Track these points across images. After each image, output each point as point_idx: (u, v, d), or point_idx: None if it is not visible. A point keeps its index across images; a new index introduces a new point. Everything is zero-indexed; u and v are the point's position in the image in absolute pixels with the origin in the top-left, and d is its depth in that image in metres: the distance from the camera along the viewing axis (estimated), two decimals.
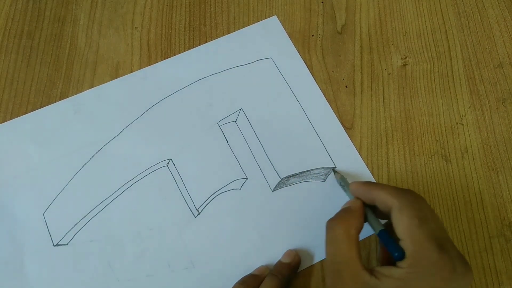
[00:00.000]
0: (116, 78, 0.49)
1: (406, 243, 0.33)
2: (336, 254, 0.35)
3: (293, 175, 0.45)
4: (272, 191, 0.45)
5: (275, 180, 0.45)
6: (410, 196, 0.35)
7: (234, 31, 0.52)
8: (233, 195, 0.45)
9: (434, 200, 0.45)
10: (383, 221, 0.38)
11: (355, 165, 0.46)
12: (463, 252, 0.43)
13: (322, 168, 0.45)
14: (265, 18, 0.53)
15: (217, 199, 0.44)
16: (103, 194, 0.44)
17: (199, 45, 0.51)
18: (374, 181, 0.45)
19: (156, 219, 0.43)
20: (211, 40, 0.51)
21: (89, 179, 0.45)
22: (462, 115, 0.48)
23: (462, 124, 0.48)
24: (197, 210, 0.44)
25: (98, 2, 0.53)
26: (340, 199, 0.43)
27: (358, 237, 0.35)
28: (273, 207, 0.44)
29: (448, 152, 0.47)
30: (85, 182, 0.45)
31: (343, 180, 0.43)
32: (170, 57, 0.50)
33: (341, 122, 0.48)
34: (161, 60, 0.50)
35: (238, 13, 0.53)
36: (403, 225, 0.33)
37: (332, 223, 0.36)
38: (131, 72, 0.50)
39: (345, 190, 0.42)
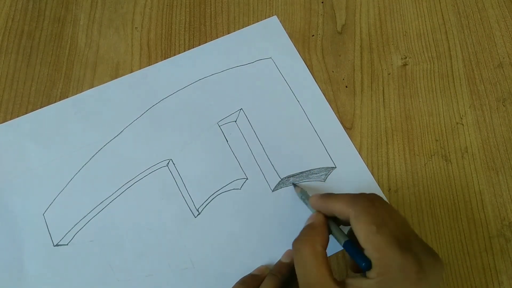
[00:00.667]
0: (116, 78, 0.49)
1: (369, 251, 0.33)
2: (306, 275, 0.34)
3: (293, 175, 0.45)
4: (272, 191, 0.45)
5: (275, 180, 0.45)
6: (364, 201, 0.35)
7: (234, 31, 0.52)
8: (233, 195, 0.45)
9: (434, 200, 0.45)
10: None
11: (355, 165, 0.46)
12: (463, 252, 0.43)
13: (322, 168, 0.45)
14: (265, 18, 0.53)
15: (217, 199, 0.44)
16: (103, 194, 0.44)
17: (199, 45, 0.51)
18: (374, 180, 0.45)
19: (156, 219, 0.43)
20: (211, 40, 0.51)
21: (89, 179, 0.45)
22: (462, 115, 0.48)
23: (462, 124, 0.48)
24: (197, 210, 0.44)
25: (98, 2, 0.53)
26: None
27: (325, 253, 0.35)
28: (273, 207, 0.44)
29: (448, 152, 0.47)
30: (85, 182, 0.45)
31: (303, 194, 0.43)
32: (170, 57, 0.50)
33: (341, 122, 0.48)
34: (161, 60, 0.50)
35: (238, 13, 0.53)
36: (363, 234, 0.33)
37: (297, 244, 0.36)
38: (131, 72, 0.50)
39: (306, 204, 0.42)
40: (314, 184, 0.45)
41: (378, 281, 0.32)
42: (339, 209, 0.36)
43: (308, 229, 0.37)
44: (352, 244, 0.35)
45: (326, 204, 0.37)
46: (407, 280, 0.31)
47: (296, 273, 0.35)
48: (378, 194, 0.44)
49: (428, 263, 0.32)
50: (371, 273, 0.32)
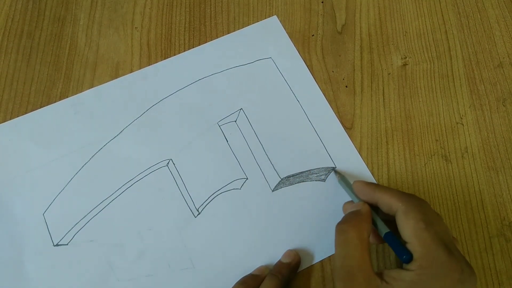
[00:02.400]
0: (116, 78, 0.49)
1: (413, 245, 0.33)
2: (348, 257, 0.34)
3: (293, 175, 0.45)
4: (272, 191, 0.45)
5: (275, 180, 0.45)
6: (415, 200, 0.36)
7: (234, 31, 0.52)
8: (233, 195, 0.45)
9: (434, 200, 0.45)
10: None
11: (355, 165, 0.46)
12: (463, 252, 0.43)
13: (322, 168, 0.45)
14: (265, 18, 0.53)
15: (217, 199, 0.44)
16: (103, 194, 0.44)
17: (199, 45, 0.51)
18: (374, 181, 0.45)
19: (156, 219, 0.43)
20: (211, 40, 0.51)
21: (89, 179, 0.45)
22: (462, 115, 0.48)
23: (462, 124, 0.48)
24: (197, 210, 0.44)
25: (98, 2, 0.53)
26: (340, 199, 0.43)
27: (369, 242, 0.35)
28: (273, 207, 0.44)
29: (448, 152, 0.47)
30: (85, 182, 0.45)
31: (343, 180, 0.43)
32: (170, 57, 0.50)
33: (341, 122, 0.48)
34: (161, 60, 0.50)
35: (238, 13, 0.53)
36: (410, 228, 0.34)
37: (343, 226, 0.36)
38: (131, 72, 0.49)
39: (346, 190, 0.42)
40: (312, 185, 0.45)
41: (419, 274, 0.32)
42: (388, 201, 0.36)
43: (354, 215, 0.37)
44: (393, 235, 0.36)
45: (374, 192, 0.38)
46: (448, 278, 0.32)
47: (336, 254, 0.35)
48: None
49: (468, 271, 0.33)
50: (412, 265, 0.33)
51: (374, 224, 0.38)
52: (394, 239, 0.35)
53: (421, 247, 0.33)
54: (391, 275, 0.33)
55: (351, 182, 0.41)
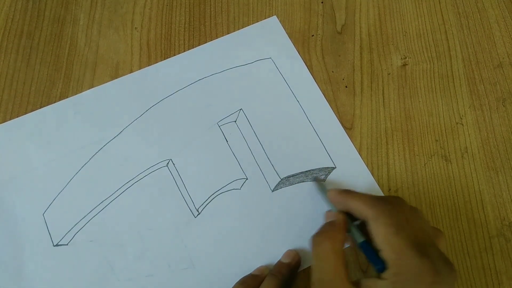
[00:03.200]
0: (116, 78, 0.49)
1: (386, 252, 0.33)
2: (323, 271, 0.35)
3: (293, 175, 0.45)
4: (272, 191, 0.45)
5: (275, 180, 0.45)
6: (384, 204, 0.35)
7: (234, 31, 0.52)
8: (233, 195, 0.45)
9: (434, 200, 0.45)
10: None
11: (355, 165, 0.46)
12: (463, 252, 0.43)
13: (322, 168, 0.45)
14: (265, 18, 0.53)
15: (217, 199, 0.44)
16: (103, 194, 0.44)
17: (199, 45, 0.51)
18: (374, 180, 0.45)
19: (156, 219, 0.43)
20: (211, 40, 0.51)
21: (89, 179, 0.45)
22: (462, 115, 0.48)
23: (462, 124, 0.48)
24: (197, 210, 0.44)
25: (98, 2, 0.53)
26: None
27: (343, 252, 0.35)
28: (273, 207, 0.44)
29: (448, 152, 0.47)
30: (85, 182, 0.45)
31: (321, 187, 0.43)
32: (170, 57, 0.50)
33: (341, 122, 0.48)
34: (161, 60, 0.50)
35: (238, 13, 0.53)
36: (381, 235, 0.34)
37: (318, 239, 0.36)
38: (131, 72, 0.49)
39: (324, 199, 0.42)
40: (312, 185, 0.45)
41: (393, 281, 0.32)
42: (358, 208, 0.36)
43: (329, 226, 0.37)
44: (368, 245, 0.36)
45: (345, 200, 0.38)
46: (422, 283, 0.31)
47: (312, 267, 0.36)
48: (378, 194, 0.44)
49: (444, 270, 0.32)
50: (386, 274, 0.33)
51: (351, 233, 0.38)
52: (368, 248, 0.35)
53: (393, 253, 0.33)
54: (367, 284, 0.33)
55: (328, 190, 0.41)
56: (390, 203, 0.36)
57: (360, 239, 0.36)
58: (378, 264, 0.34)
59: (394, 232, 0.33)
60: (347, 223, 0.38)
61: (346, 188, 0.40)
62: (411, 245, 0.32)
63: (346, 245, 0.42)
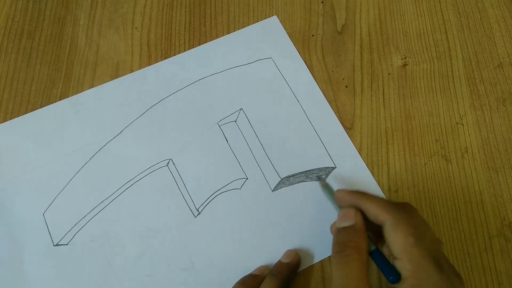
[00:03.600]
0: (116, 78, 0.49)
1: (403, 262, 0.32)
2: (348, 279, 0.33)
3: (293, 175, 0.45)
4: (272, 191, 0.45)
5: (275, 180, 0.45)
6: (404, 211, 0.34)
7: (234, 31, 0.52)
8: (233, 195, 0.45)
9: (434, 200, 0.45)
10: None
11: (355, 165, 0.46)
12: (463, 252, 0.43)
13: (322, 168, 0.45)
14: (265, 18, 0.53)
15: (217, 199, 0.44)
16: (103, 194, 0.44)
17: (199, 45, 0.51)
18: (374, 180, 0.45)
19: (156, 219, 0.43)
20: (211, 40, 0.51)
21: (89, 179, 0.45)
22: (462, 115, 0.48)
23: (462, 124, 0.48)
24: (197, 210, 0.44)
25: (98, 2, 0.53)
26: None
27: (367, 260, 0.34)
28: (273, 207, 0.44)
29: (448, 152, 0.47)
30: (85, 182, 0.45)
31: (327, 189, 0.42)
32: (170, 57, 0.50)
33: (341, 122, 0.48)
34: (161, 60, 0.50)
35: (238, 13, 0.53)
36: (399, 244, 0.33)
37: (343, 248, 0.35)
38: (131, 72, 0.50)
39: (329, 199, 0.41)
40: (312, 185, 0.45)
41: None
42: (374, 212, 0.35)
43: (352, 232, 0.36)
44: (381, 253, 0.35)
45: (356, 202, 0.36)
46: None
47: (334, 273, 0.34)
48: (378, 194, 0.45)
49: (456, 284, 0.32)
50: (402, 285, 0.32)
51: None
52: (381, 257, 0.35)
53: (412, 265, 0.32)
54: None
55: (335, 190, 0.40)
56: (407, 211, 0.35)
57: (372, 246, 0.35)
58: (392, 275, 0.33)
59: (413, 243, 0.32)
60: (365, 226, 0.36)
61: (354, 189, 0.39)
62: (430, 258, 0.32)
63: None
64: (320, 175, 0.45)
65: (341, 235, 0.36)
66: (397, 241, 0.33)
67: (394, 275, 0.33)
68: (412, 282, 0.32)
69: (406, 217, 0.34)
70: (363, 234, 0.35)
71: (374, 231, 0.36)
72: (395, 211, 0.34)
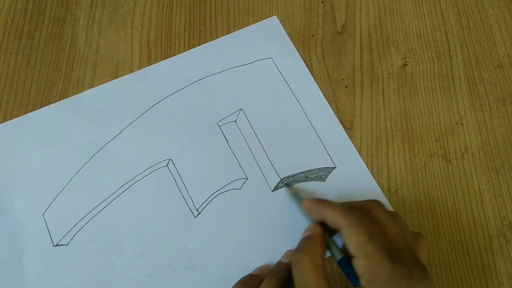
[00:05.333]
0: (116, 78, 0.49)
1: (359, 260, 0.34)
2: (304, 284, 0.35)
3: (293, 175, 0.45)
4: (272, 191, 0.45)
5: (275, 180, 0.45)
6: (359, 212, 0.36)
7: (234, 31, 0.52)
8: (233, 195, 0.45)
9: (434, 200, 0.45)
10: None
11: (355, 165, 0.46)
12: (463, 252, 0.43)
13: (322, 168, 0.45)
14: (265, 18, 0.53)
15: (217, 199, 0.44)
16: (103, 194, 0.44)
17: (199, 45, 0.51)
18: (374, 181, 0.45)
19: (156, 219, 0.43)
20: (211, 40, 0.51)
21: (89, 179, 0.45)
22: (462, 115, 0.48)
23: (462, 124, 0.48)
24: (197, 210, 0.44)
25: (98, 2, 0.53)
26: (340, 199, 0.43)
27: (324, 265, 0.36)
28: (273, 207, 0.44)
29: (448, 152, 0.47)
30: (85, 182, 0.45)
31: (296, 196, 0.43)
32: (170, 57, 0.50)
33: (341, 122, 0.48)
34: (161, 60, 0.50)
35: (238, 13, 0.53)
36: (354, 243, 0.34)
37: (297, 256, 0.37)
38: (131, 72, 0.49)
39: (298, 208, 0.42)
40: (312, 185, 0.45)
41: None
42: (332, 217, 0.37)
43: (307, 241, 0.38)
44: (347, 261, 0.36)
45: (319, 210, 0.38)
46: (396, 286, 0.32)
47: (295, 284, 0.36)
48: (378, 194, 0.45)
49: (418, 275, 0.33)
50: (362, 281, 0.33)
51: (329, 249, 0.38)
52: (346, 265, 0.36)
53: (366, 260, 0.33)
54: None
55: (303, 199, 0.41)
56: (364, 210, 0.36)
57: (338, 255, 0.37)
58: (356, 282, 0.34)
59: (366, 240, 0.33)
60: (324, 236, 0.38)
61: (320, 198, 0.41)
62: (384, 251, 0.33)
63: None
64: (318, 175, 0.45)
65: (298, 245, 0.38)
66: (352, 241, 0.34)
67: (357, 282, 0.34)
68: (368, 277, 0.33)
69: (360, 217, 0.35)
70: (318, 241, 0.37)
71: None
72: (350, 213, 0.36)
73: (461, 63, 0.51)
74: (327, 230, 0.39)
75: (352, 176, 0.46)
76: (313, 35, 0.52)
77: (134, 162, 0.45)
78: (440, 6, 0.54)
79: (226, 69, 0.50)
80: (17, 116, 0.47)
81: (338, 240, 0.38)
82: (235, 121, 0.47)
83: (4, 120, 0.47)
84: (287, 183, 0.45)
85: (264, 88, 0.49)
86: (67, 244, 0.43)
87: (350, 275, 0.35)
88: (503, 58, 0.51)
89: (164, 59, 0.50)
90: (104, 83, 0.49)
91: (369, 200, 0.38)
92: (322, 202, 0.39)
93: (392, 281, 0.32)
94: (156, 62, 0.50)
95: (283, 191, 0.45)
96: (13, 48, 0.51)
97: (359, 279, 0.34)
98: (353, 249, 0.34)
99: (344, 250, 0.37)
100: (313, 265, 0.35)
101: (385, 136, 0.48)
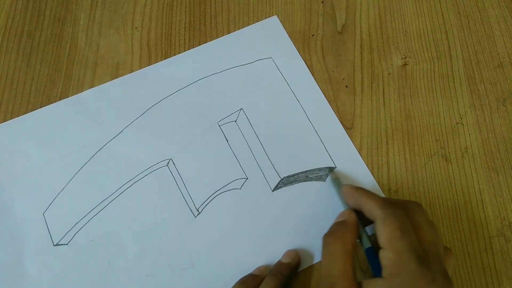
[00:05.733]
0: (116, 78, 0.49)
1: (386, 252, 0.34)
2: (332, 267, 0.35)
3: (293, 175, 0.45)
4: (272, 191, 0.45)
5: (275, 180, 0.45)
6: (397, 208, 0.36)
7: (234, 31, 0.52)
8: (233, 195, 0.45)
9: (434, 200, 0.45)
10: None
11: (355, 165, 0.46)
12: (463, 252, 0.43)
13: (322, 168, 0.45)
14: (265, 18, 0.53)
15: (217, 199, 0.44)
16: (103, 194, 0.44)
17: (199, 45, 0.51)
18: (375, 181, 0.45)
19: (156, 219, 0.43)
20: (211, 40, 0.51)
21: (89, 179, 0.45)
22: (462, 115, 0.48)
23: (462, 124, 0.48)
24: (197, 210, 0.44)
25: (98, 2, 0.53)
26: (341, 198, 0.43)
27: (353, 252, 0.36)
28: (273, 207, 0.44)
29: (448, 152, 0.47)
30: (85, 182, 0.45)
31: (337, 181, 0.44)
32: (170, 57, 0.50)
33: (341, 122, 0.48)
34: (161, 60, 0.50)
35: (238, 13, 0.53)
36: (386, 235, 0.34)
37: (329, 239, 0.37)
38: (131, 72, 0.49)
39: (337, 193, 0.43)
40: (312, 185, 0.45)
41: (389, 281, 0.33)
42: (370, 207, 0.37)
43: (341, 225, 0.38)
44: (373, 251, 0.36)
45: (359, 198, 0.39)
46: (416, 285, 0.32)
47: (322, 264, 0.37)
48: (378, 193, 0.44)
49: (441, 282, 0.33)
50: (384, 272, 0.33)
51: (360, 236, 0.38)
52: (373, 254, 0.36)
53: (394, 254, 0.33)
54: (367, 283, 0.34)
55: (342, 185, 0.42)
56: (403, 208, 0.36)
57: (367, 244, 0.37)
58: (378, 272, 0.34)
59: (399, 235, 0.34)
60: (358, 224, 0.39)
61: (360, 187, 0.41)
62: (413, 250, 0.33)
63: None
64: (319, 175, 0.45)
65: (331, 227, 0.39)
66: (384, 233, 0.34)
67: (379, 271, 0.34)
68: (391, 270, 0.33)
69: (397, 213, 0.35)
70: (352, 228, 0.38)
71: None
72: (388, 207, 0.36)
73: (461, 63, 0.51)
74: (361, 220, 0.39)
75: (353, 176, 0.45)
76: (313, 35, 0.52)
77: (134, 162, 0.45)
78: (440, 6, 0.54)
79: (226, 69, 0.50)
80: (17, 116, 0.47)
81: (369, 231, 0.39)
82: (235, 121, 0.47)
83: (4, 120, 0.47)
84: (330, 168, 0.45)
85: (264, 88, 0.49)
86: (67, 244, 0.43)
87: (375, 264, 0.35)
88: (503, 57, 0.51)
89: (164, 59, 0.50)
90: (104, 83, 0.49)
91: (411, 201, 0.38)
92: (362, 190, 0.40)
93: (414, 280, 0.32)
94: (156, 62, 0.50)
95: (283, 190, 0.45)
96: (13, 48, 0.51)
97: (382, 270, 0.34)
98: (383, 240, 0.34)
99: (373, 241, 0.37)
100: (344, 250, 0.36)
101: (385, 136, 0.47)
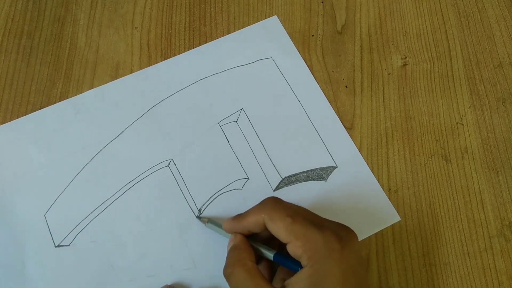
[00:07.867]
0: (116, 78, 0.49)
1: (293, 243, 0.34)
2: None
3: (294, 175, 0.45)
4: (274, 190, 0.45)
5: (276, 180, 0.45)
6: (270, 203, 0.37)
7: (234, 31, 0.52)
8: (235, 195, 0.45)
9: (434, 200, 0.45)
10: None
11: (356, 164, 0.46)
12: (463, 252, 0.43)
13: (323, 167, 0.46)
14: (265, 18, 0.53)
15: (218, 199, 0.44)
16: (104, 194, 0.44)
17: (199, 45, 0.51)
18: (376, 180, 0.46)
19: (158, 220, 0.43)
20: (211, 40, 0.51)
21: (90, 180, 0.45)
22: (462, 115, 0.48)
23: (462, 124, 0.48)
24: (199, 210, 0.44)
25: (98, 2, 0.53)
26: (342, 198, 0.44)
27: (256, 266, 0.36)
28: None
29: (448, 152, 0.47)
30: (86, 183, 0.45)
31: (212, 222, 0.42)
32: (170, 57, 0.50)
33: (341, 122, 0.48)
34: (161, 61, 0.50)
35: (238, 13, 0.53)
36: (281, 229, 0.34)
37: (228, 270, 0.36)
38: (131, 72, 0.49)
39: (218, 232, 0.41)
40: (314, 185, 0.45)
41: (311, 265, 0.33)
42: (253, 221, 0.37)
43: (232, 251, 0.38)
44: (281, 254, 0.36)
45: (240, 223, 0.38)
46: (333, 252, 0.33)
47: None
48: (379, 193, 0.45)
49: (343, 234, 0.34)
50: (303, 262, 0.34)
51: (259, 252, 0.38)
52: (283, 257, 0.36)
53: (299, 240, 0.33)
54: (291, 282, 0.34)
55: (222, 223, 0.40)
56: (270, 202, 0.37)
57: (271, 252, 0.37)
58: (297, 267, 0.34)
59: (291, 221, 0.34)
60: (247, 241, 0.38)
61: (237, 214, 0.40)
62: (310, 223, 0.34)
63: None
64: (313, 176, 0.45)
65: (226, 261, 0.37)
66: (279, 228, 0.35)
67: (297, 264, 0.34)
68: (307, 255, 0.33)
69: (274, 207, 0.36)
70: (242, 246, 0.37)
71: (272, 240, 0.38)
72: (264, 207, 0.36)
73: (461, 63, 0.51)
74: (254, 239, 0.39)
75: (354, 176, 0.46)
76: (313, 35, 0.52)
77: (135, 163, 0.45)
78: (440, 6, 0.54)
79: (227, 69, 0.50)
80: (17, 116, 0.47)
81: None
82: (236, 121, 0.47)
83: (4, 120, 0.47)
84: (196, 216, 0.44)
85: (265, 88, 0.49)
86: (68, 245, 0.43)
87: (290, 263, 0.35)
88: (503, 58, 0.51)
89: (164, 59, 0.50)
90: (104, 83, 0.49)
91: (266, 198, 0.38)
92: (238, 215, 0.39)
93: (327, 247, 0.33)
94: (156, 62, 0.50)
95: (284, 190, 0.45)
96: (13, 48, 0.50)
97: (300, 262, 0.34)
98: (283, 235, 0.34)
99: (275, 247, 0.38)
100: (246, 271, 0.35)
101: (385, 136, 0.48)
